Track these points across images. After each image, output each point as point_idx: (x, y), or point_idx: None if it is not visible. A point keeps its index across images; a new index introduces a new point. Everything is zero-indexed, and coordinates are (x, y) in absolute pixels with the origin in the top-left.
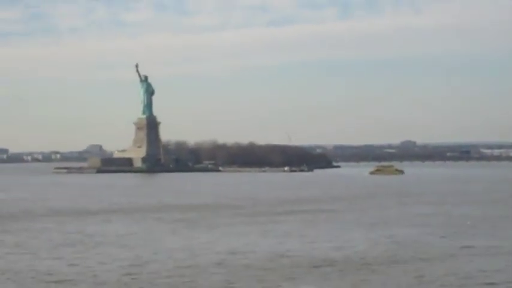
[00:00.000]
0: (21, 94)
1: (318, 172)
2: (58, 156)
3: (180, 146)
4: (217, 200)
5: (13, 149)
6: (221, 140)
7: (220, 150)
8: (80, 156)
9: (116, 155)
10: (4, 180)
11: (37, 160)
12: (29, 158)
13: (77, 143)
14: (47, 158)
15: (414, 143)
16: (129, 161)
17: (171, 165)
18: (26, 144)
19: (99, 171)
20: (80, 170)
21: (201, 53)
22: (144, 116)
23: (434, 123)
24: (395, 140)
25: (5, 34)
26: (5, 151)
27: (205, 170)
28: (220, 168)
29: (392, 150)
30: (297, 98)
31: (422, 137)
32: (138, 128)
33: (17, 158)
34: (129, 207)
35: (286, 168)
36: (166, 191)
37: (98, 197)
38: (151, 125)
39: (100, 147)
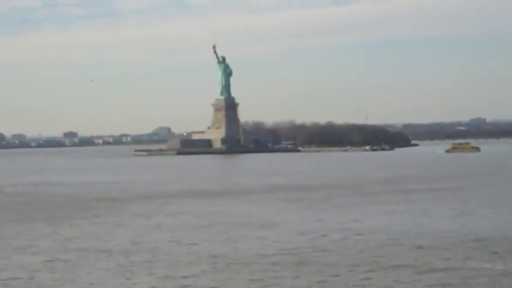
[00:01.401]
0: (87, 78)
1: (398, 151)
2: (129, 138)
3: (258, 127)
4: (322, 180)
5: (82, 133)
6: (298, 120)
7: (299, 130)
8: (150, 138)
9: (195, 136)
10: (95, 163)
11: (108, 143)
12: (100, 141)
13: (144, 126)
14: (117, 140)
15: (484, 120)
16: (208, 143)
17: (250, 146)
18: (94, 128)
19: (179, 153)
20: (160, 152)
21: (268, 33)
22: (223, 97)
23: (503, 99)
24: (464, 117)
25: (67, 19)
26: (75, 135)
27: (284, 150)
28: (300, 148)
29: (463, 128)
30: (365, 77)
31: (492, 113)
32: (216, 110)
33: (87, 141)
34: (242, 188)
35: (367, 147)
36: (260, 172)
37: (199, 178)
38: (229, 106)
39: (169, 129)
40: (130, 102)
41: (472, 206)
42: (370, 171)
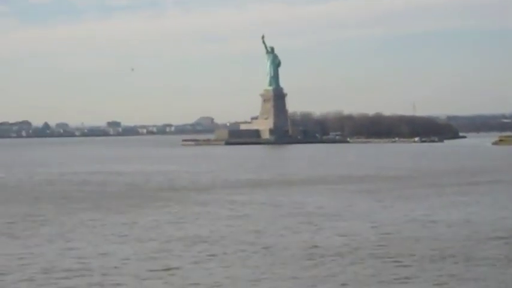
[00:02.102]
0: (129, 67)
1: (448, 143)
2: (172, 128)
3: (306, 118)
4: (379, 171)
5: (125, 122)
6: (345, 111)
7: (347, 121)
8: (193, 128)
9: (243, 126)
10: (146, 153)
11: (152, 133)
12: (144, 130)
13: (187, 116)
14: (161, 130)
15: None
16: (256, 133)
17: (299, 137)
18: (136, 117)
19: (227, 143)
20: (208, 142)
21: (316, 24)
22: (271, 88)
23: None
24: (508, 109)
25: (109, 9)
26: (118, 124)
27: (333, 141)
28: (348, 139)
29: (508, 120)
30: (410, 68)
31: None
32: (265, 100)
33: (131, 131)
34: (300, 178)
35: (416, 139)
36: (313, 162)
37: (254, 168)
38: (278, 97)
39: (212, 119)
40: (172, 92)
41: None
42: (426, 163)
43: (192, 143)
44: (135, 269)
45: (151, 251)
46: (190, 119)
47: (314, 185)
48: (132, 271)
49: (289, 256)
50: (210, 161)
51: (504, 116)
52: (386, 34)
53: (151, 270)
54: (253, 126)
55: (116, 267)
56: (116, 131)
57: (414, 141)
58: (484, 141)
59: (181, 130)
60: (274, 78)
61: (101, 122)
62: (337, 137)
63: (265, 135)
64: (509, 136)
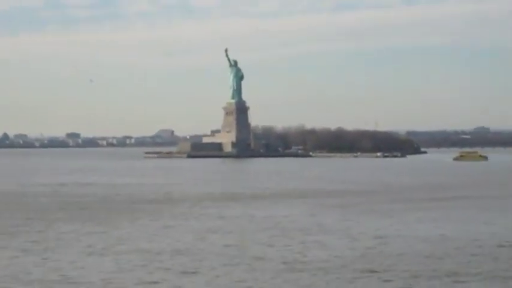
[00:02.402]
0: (89, 78)
1: (410, 158)
2: (132, 140)
3: (268, 131)
4: (345, 185)
5: (84, 134)
6: (307, 125)
7: (309, 135)
8: (153, 140)
9: (205, 139)
10: (112, 165)
11: (112, 145)
12: (104, 142)
13: (146, 128)
14: (121, 142)
15: (488, 129)
16: (218, 146)
17: (261, 150)
18: (96, 129)
19: (190, 155)
20: (170, 155)
21: (273, 39)
22: (234, 101)
23: (508, 109)
24: (468, 126)
25: (73, 20)
26: (78, 135)
27: (295, 155)
28: (310, 153)
29: (467, 136)
30: (370, 84)
31: (496, 123)
32: (227, 113)
33: (90, 142)
34: (270, 192)
35: (379, 154)
36: (280, 176)
37: (221, 181)
38: (240, 110)
39: (172, 132)
40: (132, 104)
41: None
42: (390, 178)
43: (155, 155)
44: (121, 283)
45: (132, 264)
46: (150, 131)
47: (283, 198)
48: (119, 285)
49: (272, 269)
50: (175, 173)
51: (464, 132)
52: (348, 50)
53: (137, 284)
54: (216, 139)
55: (100, 280)
56: (75, 142)
57: (376, 156)
58: (444, 156)
59: (141, 142)
60: (237, 91)
61: (60, 133)
62: (299, 151)
63: (228, 148)
64: (469, 152)
